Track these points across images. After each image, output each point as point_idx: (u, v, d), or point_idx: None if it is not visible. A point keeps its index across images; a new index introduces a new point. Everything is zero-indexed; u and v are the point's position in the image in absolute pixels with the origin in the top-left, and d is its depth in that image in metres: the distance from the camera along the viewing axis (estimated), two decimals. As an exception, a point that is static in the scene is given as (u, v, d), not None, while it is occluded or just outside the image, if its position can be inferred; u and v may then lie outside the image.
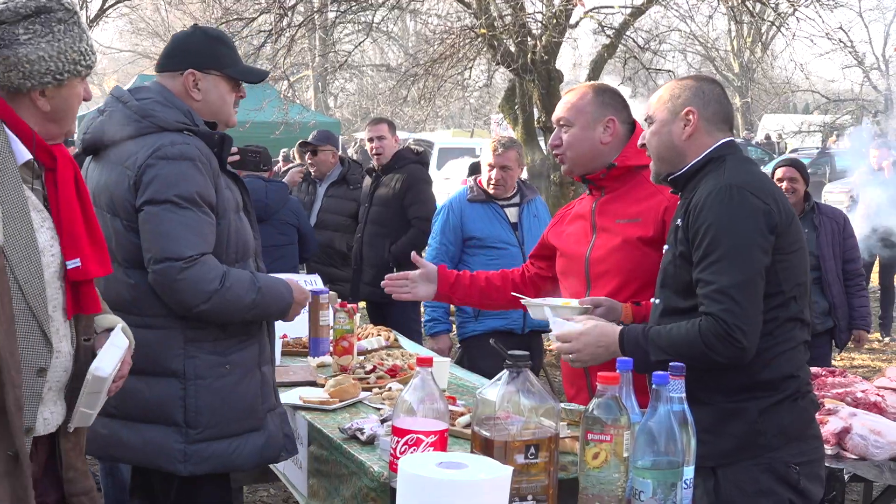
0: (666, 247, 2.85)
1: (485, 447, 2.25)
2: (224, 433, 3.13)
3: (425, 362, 2.34)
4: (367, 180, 6.86)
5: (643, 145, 2.92)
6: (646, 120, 2.92)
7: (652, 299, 2.93)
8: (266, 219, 6.15)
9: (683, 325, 2.65)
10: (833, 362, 8.68)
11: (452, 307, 5.63)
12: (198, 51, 3.25)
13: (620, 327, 2.79)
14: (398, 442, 2.28)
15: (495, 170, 5.40)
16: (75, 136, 4.02)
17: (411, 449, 2.26)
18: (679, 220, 2.77)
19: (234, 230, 3.17)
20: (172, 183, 3.02)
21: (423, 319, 5.83)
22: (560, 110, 3.38)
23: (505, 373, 2.31)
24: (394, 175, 6.61)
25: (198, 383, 3.09)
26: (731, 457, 2.64)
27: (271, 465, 3.85)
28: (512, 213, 5.49)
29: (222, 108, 3.29)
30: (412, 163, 6.69)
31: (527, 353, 2.32)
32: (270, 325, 3.36)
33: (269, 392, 3.28)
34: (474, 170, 9.18)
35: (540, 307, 3.20)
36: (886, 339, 10.54)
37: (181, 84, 3.21)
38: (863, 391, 4.31)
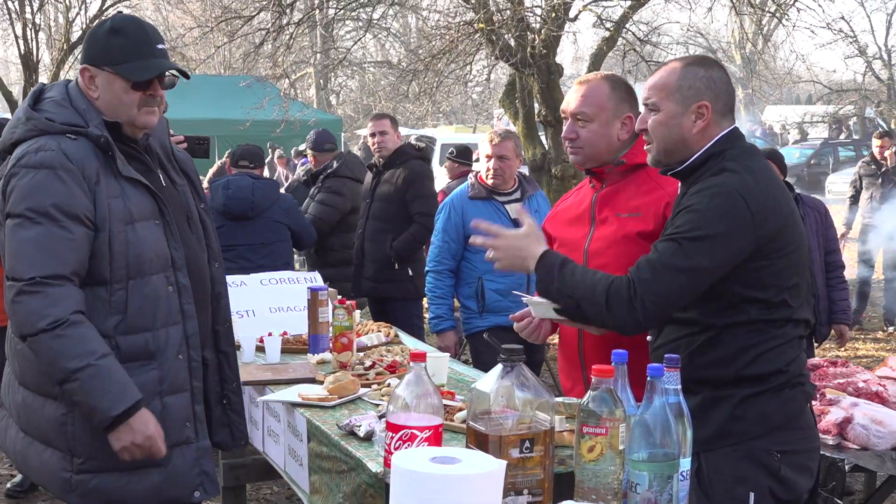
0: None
1: (480, 442, 2.24)
2: (110, 466, 2.86)
3: (419, 357, 2.34)
4: (369, 176, 6.85)
5: (643, 130, 2.84)
6: (647, 104, 2.81)
7: None
8: (253, 216, 6.18)
9: (600, 274, 2.69)
10: (837, 353, 8.68)
11: (457, 303, 5.63)
12: (93, 45, 2.99)
13: (545, 248, 2.81)
14: (393, 437, 2.28)
15: (493, 160, 5.40)
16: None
17: (406, 444, 2.26)
18: (672, 215, 2.76)
19: (121, 243, 2.86)
20: (26, 194, 2.78)
21: (427, 316, 5.83)
22: (576, 103, 3.27)
23: (499, 367, 2.30)
24: (395, 171, 6.60)
25: (77, 409, 2.82)
26: (712, 443, 2.63)
27: (272, 463, 3.85)
28: (513, 210, 5.48)
29: (119, 107, 2.94)
30: (414, 158, 6.68)
31: (520, 346, 2.31)
32: (202, 349, 3.07)
33: (175, 425, 2.95)
34: (460, 153, 9.20)
35: (541, 304, 3.19)
36: (890, 329, 10.52)
37: (82, 80, 2.97)
38: (864, 381, 4.30)
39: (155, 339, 2.93)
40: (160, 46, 3.02)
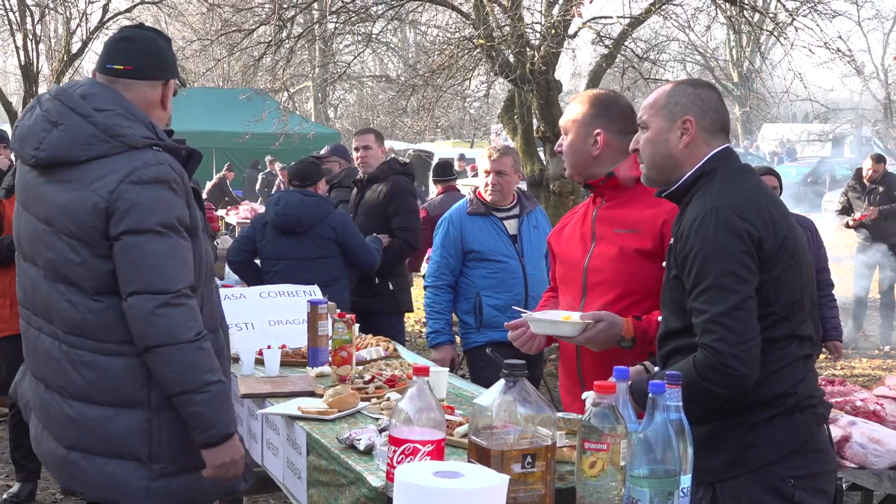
0: (664, 264, 2.83)
1: (481, 456, 2.25)
2: (188, 466, 2.98)
3: (422, 372, 2.34)
4: (354, 190, 6.91)
5: (635, 150, 2.90)
6: (639, 124, 2.89)
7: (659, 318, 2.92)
8: (300, 232, 6.19)
9: (680, 366, 2.62)
10: (834, 371, 8.69)
11: (455, 318, 5.65)
12: (171, 59, 3.11)
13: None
14: (395, 451, 2.28)
15: (492, 175, 5.42)
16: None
17: (408, 458, 2.26)
18: (673, 240, 2.76)
19: (203, 251, 3.03)
20: (152, 210, 2.85)
21: (425, 331, 5.84)
22: (562, 117, 3.51)
23: (501, 382, 2.31)
24: (378, 185, 6.64)
25: (162, 414, 2.93)
26: (727, 471, 2.63)
27: (272, 476, 3.85)
28: (511, 226, 5.49)
29: (166, 118, 3.12)
30: (397, 173, 6.70)
31: (523, 362, 2.32)
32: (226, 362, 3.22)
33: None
34: (440, 169, 9.22)
35: (541, 322, 3.19)
36: (887, 348, 10.54)
37: (156, 93, 3.04)
38: (862, 400, 4.31)
39: (216, 339, 3.08)
40: None
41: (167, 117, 3.10)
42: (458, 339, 5.86)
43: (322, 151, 7.42)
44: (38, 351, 3.05)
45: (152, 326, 2.84)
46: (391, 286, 6.57)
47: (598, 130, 3.37)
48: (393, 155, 7.55)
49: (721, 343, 2.56)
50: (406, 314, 6.88)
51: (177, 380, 2.87)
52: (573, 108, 3.46)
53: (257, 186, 21.87)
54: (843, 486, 3.74)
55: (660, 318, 2.87)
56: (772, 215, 2.67)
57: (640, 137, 2.87)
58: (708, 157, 2.78)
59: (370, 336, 5.03)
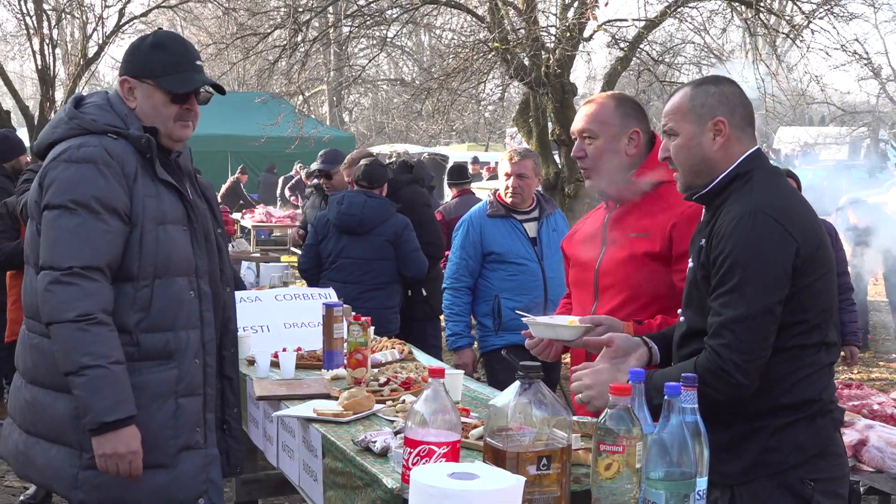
0: (690, 264, 2.77)
1: (497, 458, 2.25)
2: None
3: (437, 373, 2.34)
4: None
5: (666, 158, 2.81)
6: (665, 131, 2.81)
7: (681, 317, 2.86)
8: (361, 233, 6.22)
9: (683, 365, 2.60)
10: (851, 375, 8.65)
11: (473, 321, 5.64)
12: (136, 58, 3.10)
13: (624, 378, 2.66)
14: (410, 453, 2.29)
15: (512, 178, 5.42)
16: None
17: (423, 460, 2.26)
18: (703, 241, 2.69)
19: (152, 241, 2.95)
20: (68, 186, 2.88)
21: (444, 334, 5.84)
22: (582, 122, 3.31)
23: (517, 384, 2.31)
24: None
25: None
26: (747, 474, 2.61)
27: (288, 478, 3.86)
28: (531, 228, 5.49)
29: (157, 118, 3.07)
30: (406, 185, 6.66)
31: (539, 364, 2.32)
32: (221, 360, 3.16)
33: (186, 427, 3.01)
34: (454, 173, 9.17)
35: (543, 327, 3.18)
36: (904, 353, 10.48)
37: (122, 90, 3.10)
38: (879, 403, 4.30)
39: (175, 339, 3.01)
40: (198, 62, 3.14)
41: (144, 115, 3.06)
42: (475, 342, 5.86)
43: (317, 165, 7.32)
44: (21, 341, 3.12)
45: (44, 303, 2.85)
46: (424, 292, 6.58)
47: (634, 129, 3.27)
48: (394, 156, 7.44)
49: (725, 349, 2.53)
50: (442, 318, 6.85)
51: (61, 359, 2.84)
52: (600, 110, 3.29)
53: (278, 191, 21.75)
54: (861, 489, 3.72)
55: (681, 318, 2.81)
56: (809, 222, 2.64)
57: (670, 145, 2.78)
58: (742, 158, 2.72)
59: (385, 339, 5.04)
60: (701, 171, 2.75)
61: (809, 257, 2.58)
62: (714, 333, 2.57)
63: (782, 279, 2.54)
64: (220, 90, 3.20)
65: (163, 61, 3.06)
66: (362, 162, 6.63)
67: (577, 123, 3.34)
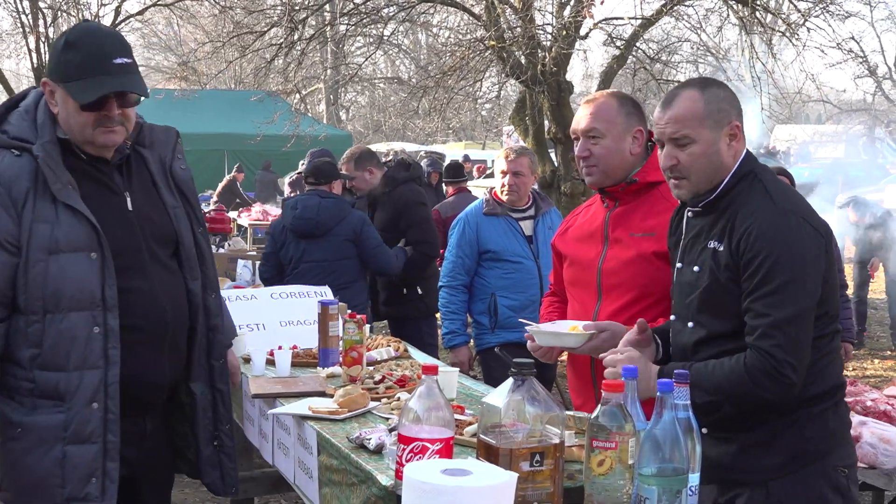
0: (696, 268, 2.73)
1: (490, 454, 2.26)
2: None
3: (431, 370, 2.35)
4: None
5: (672, 167, 2.72)
6: (675, 139, 2.69)
7: (672, 318, 2.85)
8: (318, 235, 6.15)
9: (726, 364, 2.59)
10: (845, 372, 8.66)
11: (469, 318, 5.65)
12: (51, 58, 2.85)
13: (657, 367, 2.70)
14: (404, 449, 2.30)
15: (508, 175, 5.42)
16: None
17: (417, 456, 2.27)
18: (714, 243, 2.66)
19: (39, 273, 2.71)
20: None
21: (440, 332, 5.84)
22: (586, 121, 3.28)
23: (510, 381, 2.32)
24: (385, 203, 6.57)
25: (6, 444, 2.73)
26: (786, 467, 2.61)
27: (283, 475, 3.87)
28: (527, 226, 5.50)
29: (72, 124, 2.79)
30: (401, 184, 6.61)
31: (531, 360, 2.33)
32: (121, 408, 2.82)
33: (74, 477, 2.76)
34: (451, 172, 9.16)
35: (545, 334, 3.19)
36: (899, 349, 10.50)
37: (45, 93, 2.84)
38: (873, 400, 4.31)
39: (67, 381, 2.76)
40: (118, 61, 2.78)
41: (63, 121, 2.81)
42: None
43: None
44: None
45: None
46: (419, 290, 6.57)
47: (638, 128, 3.28)
48: (392, 156, 7.42)
49: (779, 350, 2.52)
50: (438, 316, 6.84)
51: None
52: (605, 109, 3.27)
53: (286, 192, 21.62)
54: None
55: (689, 324, 2.76)
56: (821, 218, 2.69)
57: (681, 154, 2.68)
58: (740, 160, 2.71)
59: (381, 336, 5.04)
60: (713, 178, 2.71)
61: (828, 252, 2.64)
62: (763, 335, 2.54)
63: (817, 279, 2.59)
64: (142, 93, 2.83)
65: (73, 63, 2.74)
66: (312, 159, 6.58)
67: (581, 123, 3.31)
